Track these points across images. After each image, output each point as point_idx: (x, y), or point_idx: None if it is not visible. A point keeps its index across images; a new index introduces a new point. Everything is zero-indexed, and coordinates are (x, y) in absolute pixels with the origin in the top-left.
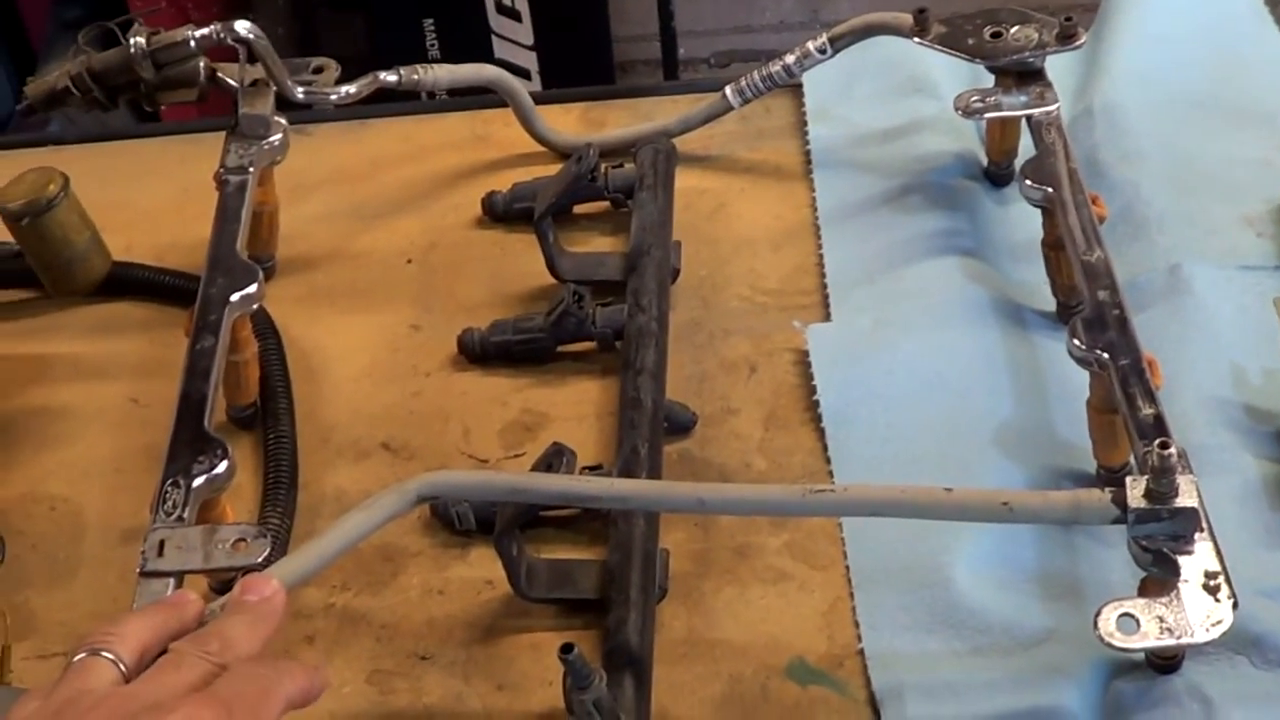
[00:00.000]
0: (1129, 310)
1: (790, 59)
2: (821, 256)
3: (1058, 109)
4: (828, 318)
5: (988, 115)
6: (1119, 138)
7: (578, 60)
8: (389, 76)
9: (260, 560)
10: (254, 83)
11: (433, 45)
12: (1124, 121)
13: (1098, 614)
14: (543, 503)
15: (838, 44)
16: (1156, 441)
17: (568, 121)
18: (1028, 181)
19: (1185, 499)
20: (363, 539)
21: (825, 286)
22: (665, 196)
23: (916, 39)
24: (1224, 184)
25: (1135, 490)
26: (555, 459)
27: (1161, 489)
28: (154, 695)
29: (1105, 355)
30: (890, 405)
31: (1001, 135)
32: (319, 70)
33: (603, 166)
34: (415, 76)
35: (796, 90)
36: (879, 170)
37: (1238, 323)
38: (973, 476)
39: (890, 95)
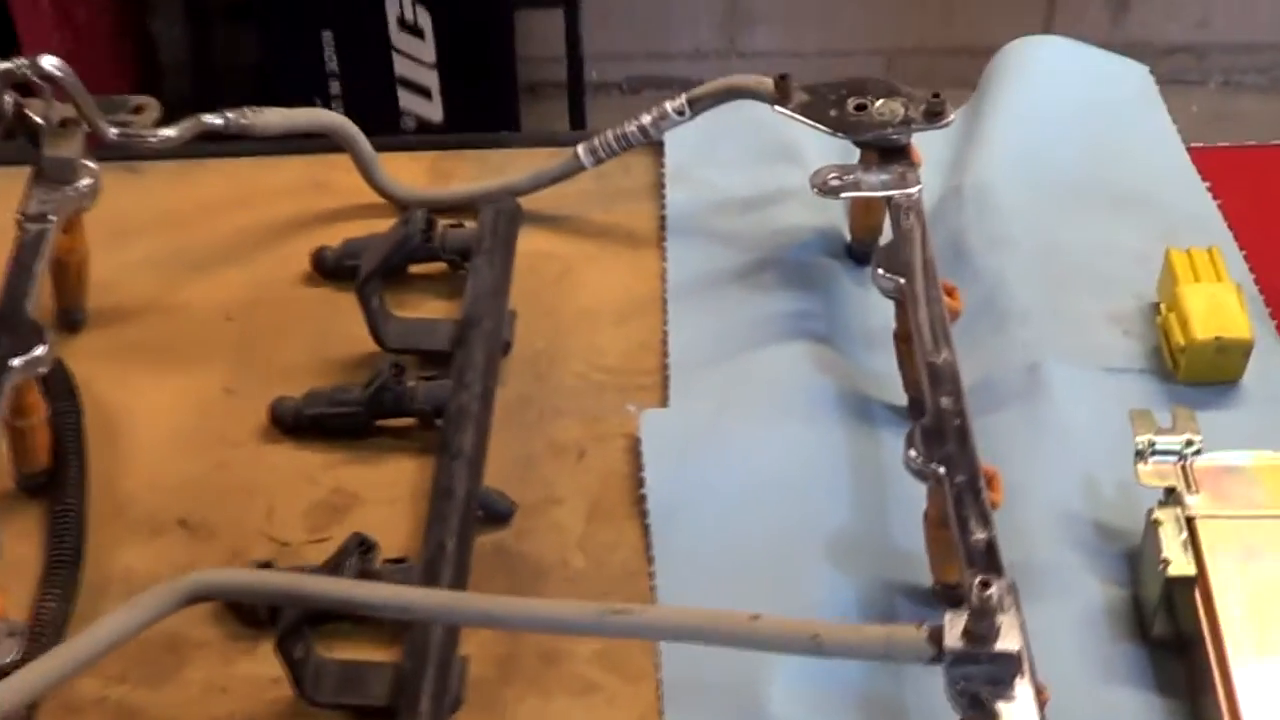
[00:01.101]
0: (970, 420)
1: (647, 119)
2: (666, 334)
3: (919, 191)
4: (666, 401)
5: (844, 195)
6: (988, 221)
7: (481, 80)
8: (214, 120)
9: (8, 661)
10: (64, 122)
11: (330, 59)
12: (995, 203)
13: None
14: (323, 607)
15: (697, 106)
16: (977, 580)
17: (414, 172)
18: (880, 270)
19: (1006, 642)
20: (123, 642)
21: (667, 367)
22: (503, 261)
23: (777, 107)
24: (1095, 277)
25: (954, 629)
26: (352, 553)
27: (980, 630)
28: None
29: (942, 469)
30: (721, 503)
31: (865, 212)
32: (138, 110)
33: (440, 225)
34: (244, 121)
35: (660, 148)
36: (735, 242)
37: (1095, 430)
38: (802, 586)
39: (755, 160)
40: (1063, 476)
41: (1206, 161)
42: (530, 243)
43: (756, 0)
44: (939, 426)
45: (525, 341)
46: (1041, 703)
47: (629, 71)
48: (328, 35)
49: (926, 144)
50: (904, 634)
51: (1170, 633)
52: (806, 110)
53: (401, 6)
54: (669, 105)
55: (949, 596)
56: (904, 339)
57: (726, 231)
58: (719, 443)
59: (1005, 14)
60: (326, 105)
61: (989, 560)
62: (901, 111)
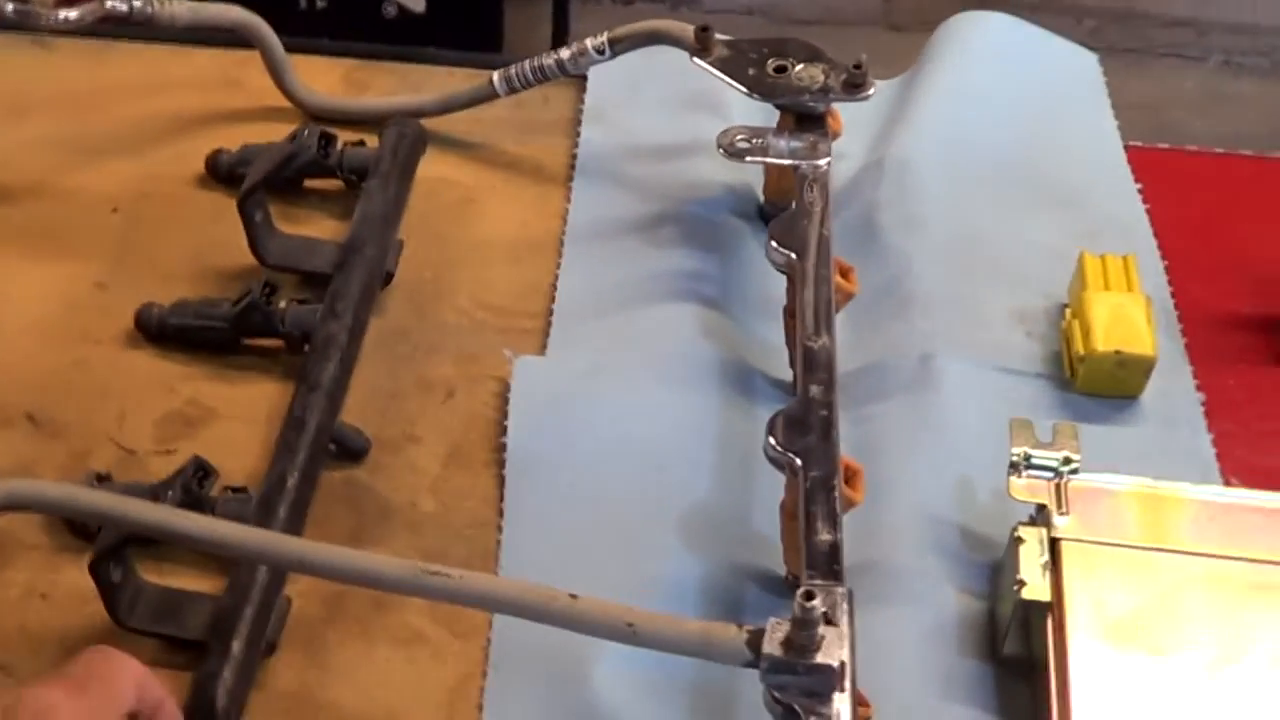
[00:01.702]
0: (837, 413)
1: (566, 53)
2: (557, 278)
3: (827, 164)
4: (545, 348)
5: (749, 159)
6: (904, 200)
7: None
8: (119, 5)
9: None
10: None
11: None
12: (914, 182)
13: None
14: (138, 532)
15: (618, 46)
16: (801, 591)
17: (329, 80)
18: (773, 243)
19: (827, 655)
20: None
21: (552, 313)
22: (398, 187)
23: (696, 58)
24: (1006, 272)
25: (775, 635)
26: (188, 476)
27: (801, 641)
28: None
29: (799, 461)
30: (581, 462)
31: (779, 174)
32: None
33: (340, 143)
34: (149, 10)
35: (584, 84)
36: (644, 190)
37: (980, 431)
38: (647, 559)
39: (677, 108)
40: (938, 476)
41: (1144, 162)
42: (435, 168)
43: None
44: (803, 416)
45: (411, 270)
46: (861, 719)
47: None
48: None
49: (855, 111)
50: (722, 634)
51: (1021, 654)
52: (725, 65)
53: None
54: (590, 42)
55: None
56: (792, 314)
57: (637, 178)
58: (589, 400)
59: None
60: None
61: (829, 564)
62: (820, 79)
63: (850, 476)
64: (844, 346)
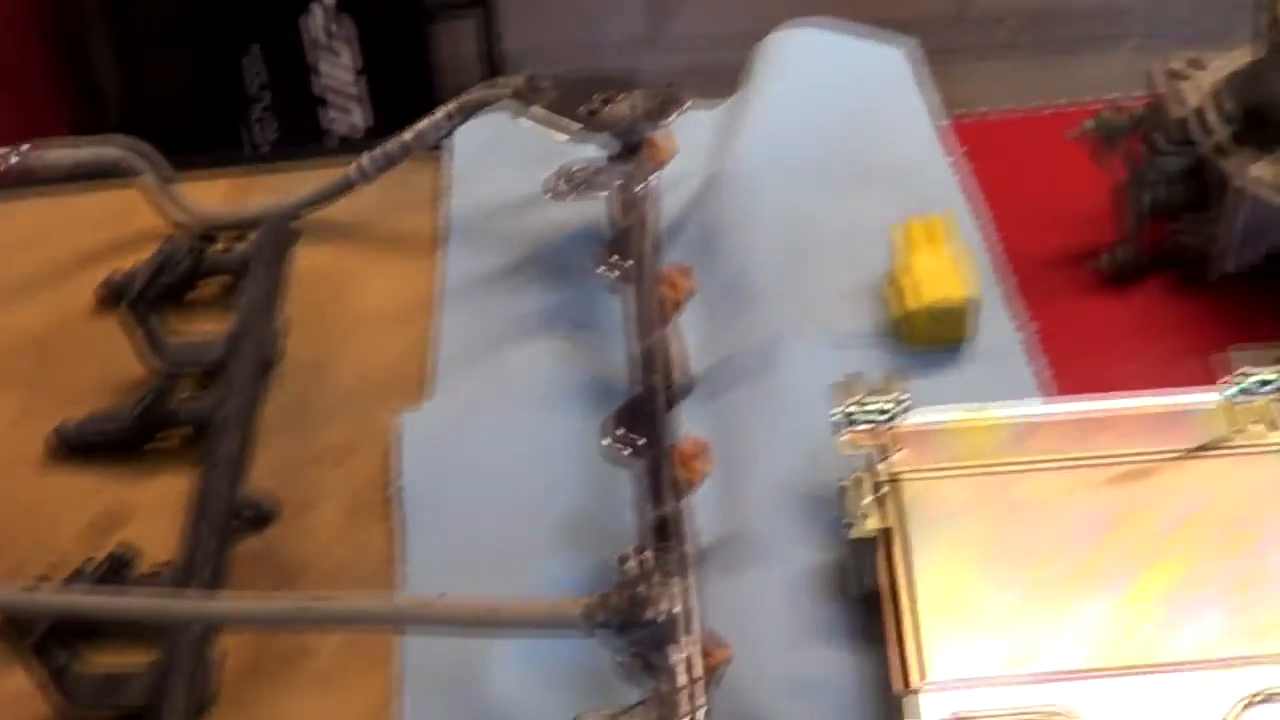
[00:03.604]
0: (660, 399)
1: (409, 134)
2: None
3: (654, 182)
4: (429, 400)
5: (581, 192)
6: (742, 204)
7: (403, 89)
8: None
9: None
10: None
11: (257, 75)
12: (749, 187)
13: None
14: (52, 615)
15: (458, 115)
16: (617, 557)
17: (213, 195)
18: (609, 258)
19: (655, 610)
20: None
21: (432, 367)
22: (273, 276)
23: (526, 110)
24: (838, 254)
25: (613, 599)
26: (106, 566)
27: (627, 601)
28: None
29: (629, 451)
30: (467, 493)
31: (620, 203)
32: None
33: (221, 244)
34: (28, 162)
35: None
36: (509, 242)
37: (823, 403)
38: (534, 570)
39: (535, 160)
40: (787, 448)
41: (961, 132)
42: (313, 257)
43: None
44: (636, 407)
45: (299, 350)
46: (719, 662)
47: (557, 68)
48: (249, 59)
49: (697, 134)
50: (566, 608)
51: (869, 589)
52: (555, 107)
53: (323, 20)
54: (437, 114)
55: None
56: None
57: (501, 233)
58: (469, 436)
59: None
60: (248, 122)
61: (663, 533)
62: (637, 107)
63: (696, 452)
64: (699, 345)
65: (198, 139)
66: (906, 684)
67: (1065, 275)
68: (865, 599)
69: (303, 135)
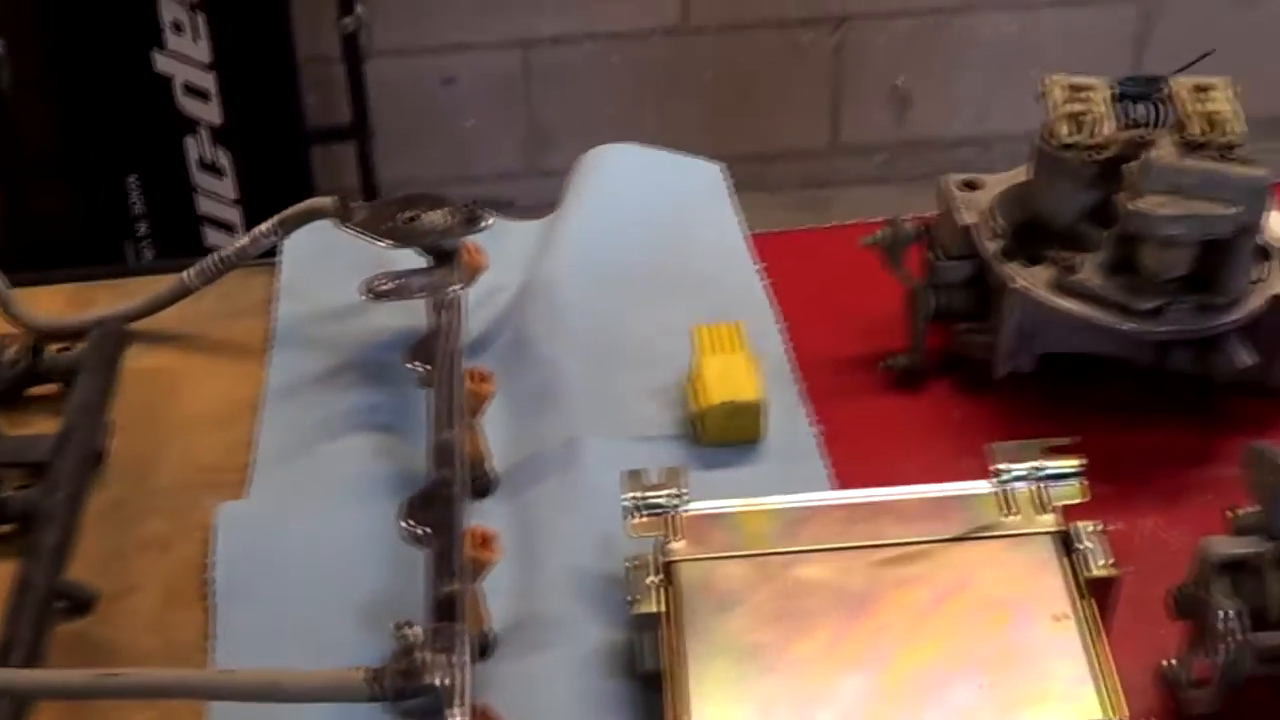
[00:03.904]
0: (460, 490)
1: (245, 240)
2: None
3: (458, 290)
4: (247, 494)
5: (392, 298)
6: (551, 314)
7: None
8: None
9: None
10: None
11: (136, 202)
12: (560, 298)
13: None
14: None
15: (283, 227)
16: (394, 626)
17: (55, 303)
18: (412, 360)
19: (431, 677)
20: None
21: (251, 463)
22: (102, 377)
23: (343, 224)
24: (644, 357)
25: (389, 669)
26: None
27: (407, 668)
28: None
29: (427, 534)
30: (276, 581)
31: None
32: None
33: (54, 350)
34: None
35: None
36: (331, 347)
37: (618, 494)
38: (336, 653)
39: (362, 269)
40: (585, 537)
41: (768, 246)
42: (145, 360)
43: (554, 118)
44: (431, 495)
45: (127, 449)
46: None
47: None
48: (133, 180)
49: (513, 249)
50: (351, 677)
51: (652, 668)
52: (366, 224)
53: (202, 148)
54: (263, 227)
55: None
56: None
57: (326, 337)
58: (280, 526)
59: (795, 119)
60: (137, 246)
61: (447, 611)
62: (445, 221)
63: (483, 540)
64: (506, 444)
65: (83, 262)
66: None
67: (857, 378)
68: (649, 678)
69: (186, 256)
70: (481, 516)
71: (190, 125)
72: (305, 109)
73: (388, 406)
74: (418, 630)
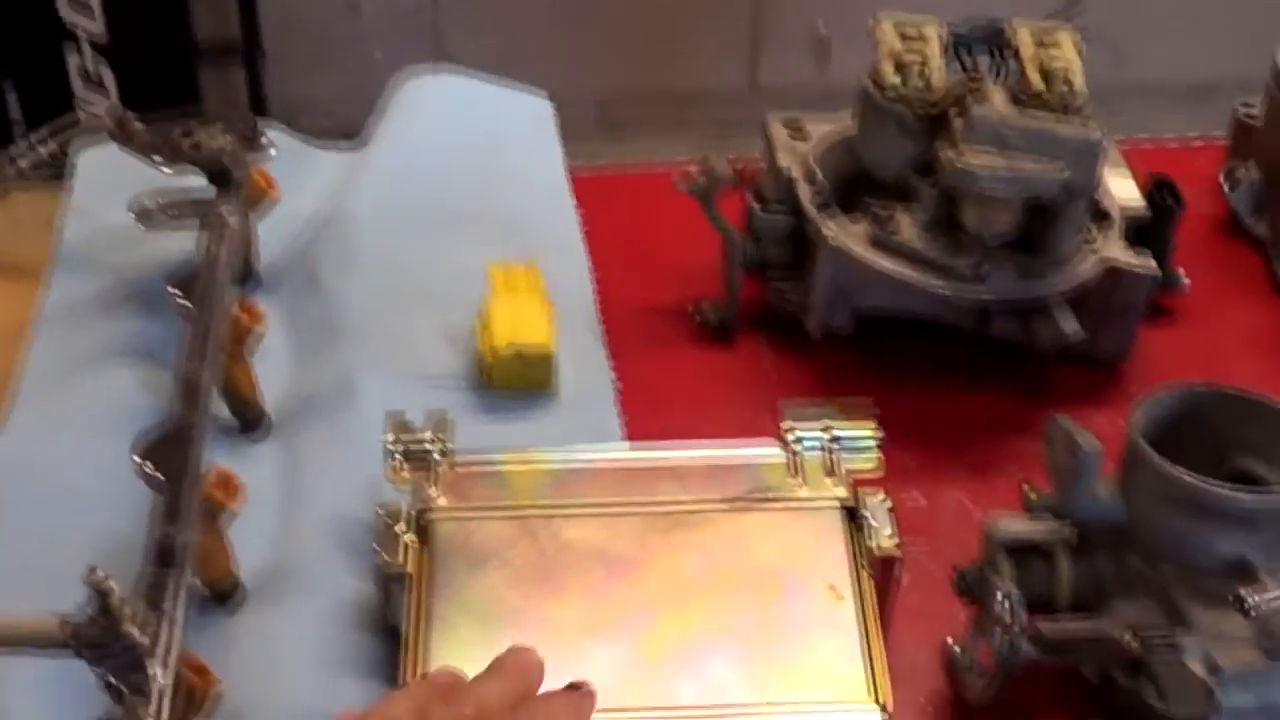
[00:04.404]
0: (201, 430)
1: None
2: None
3: (228, 216)
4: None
5: (162, 222)
6: (344, 248)
7: None
8: None
9: None
10: None
11: (13, 108)
12: (354, 232)
13: None
14: None
15: (58, 138)
16: (94, 568)
17: None
18: (169, 289)
19: (130, 630)
20: None
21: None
22: None
23: (120, 144)
24: (439, 297)
25: (89, 620)
26: None
27: (105, 622)
28: None
29: (158, 475)
30: (27, 516)
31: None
32: None
33: None
34: None
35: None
36: (115, 272)
37: None
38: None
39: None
40: (352, 483)
41: (588, 187)
42: None
43: (464, 45)
44: (168, 435)
45: None
46: (206, 692)
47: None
48: (9, 84)
49: (313, 177)
50: (46, 625)
51: (397, 626)
52: (148, 146)
53: (84, 59)
54: (31, 138)
55: (219, 594)
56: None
57: (110, 262)
58: (38, 459)
59: (712, 59)
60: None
61: (165, 559)
62: (224, 142)
63: (224, 484)
64: (283, 380)
65: None
66: None
67: (667, 329)
68: (398, 633)
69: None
70: (250, 457)
71: (70, 35)
72: (194, 24)
73: (162, 337)
74: (109, 580)
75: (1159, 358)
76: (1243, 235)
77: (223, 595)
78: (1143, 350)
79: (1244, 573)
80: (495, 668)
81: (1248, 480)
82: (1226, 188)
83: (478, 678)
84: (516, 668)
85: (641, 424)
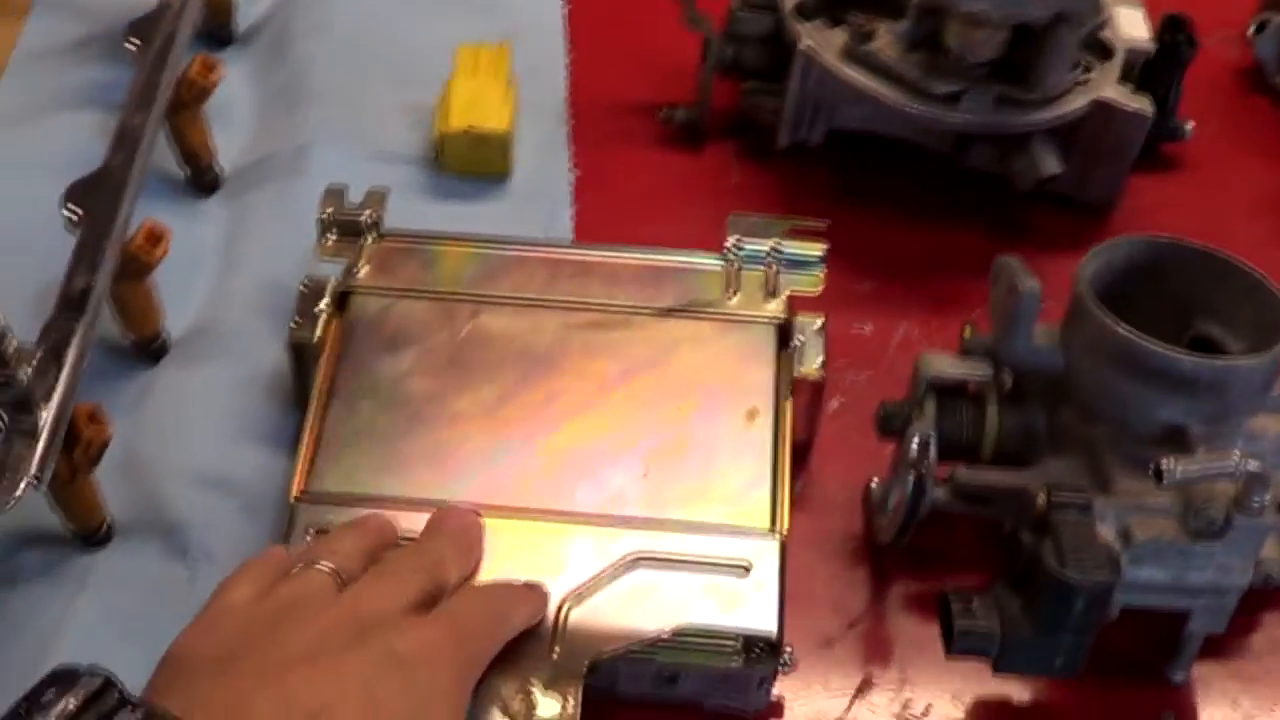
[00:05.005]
0: (134, 181)
1: None
2: None
3: None
4: None
5: None
6: (318, 8)
7: None
8: None
9: None
10: None
11: None
12: None
13: None
14: None
15: None
16: None
17: None
18: (128, 37)
19: (17, 369)
20: None
21: None
22: None
23: None
24: (408, 71)
25: None
26: None
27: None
28: (378, 609)
29: (83, 219)
30: None
31: None
32: None
33: None
34: None
35: None
36: (94, 15)
37: None
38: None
39: None
40: (290, 251)
41: None
42: None
43: None
44: (95, 180)
45: None
46: (96, 441)
47: None
48: None
49: None
50: None
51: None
52: None
53: None
54: None
55: (144, 350)
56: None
57: (86, 6)
58: None
59: None
60: None
61: (76, 306)
62: None
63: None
64: (243, 141)
65: None
66: (298, 493)
67: (635, 126)
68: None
69: None
70: (197, 215)
71: None
72: None
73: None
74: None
75: (1151, 210)
76: (1266, 90)
77: (146, 349)
78: (1134, 200)
79: (1179, 442)
80: (438, 531)
81: (1211, 349)
82: (1254, 35)
83: (428, 539)
84: (463, 535)
85: (593, 220)
